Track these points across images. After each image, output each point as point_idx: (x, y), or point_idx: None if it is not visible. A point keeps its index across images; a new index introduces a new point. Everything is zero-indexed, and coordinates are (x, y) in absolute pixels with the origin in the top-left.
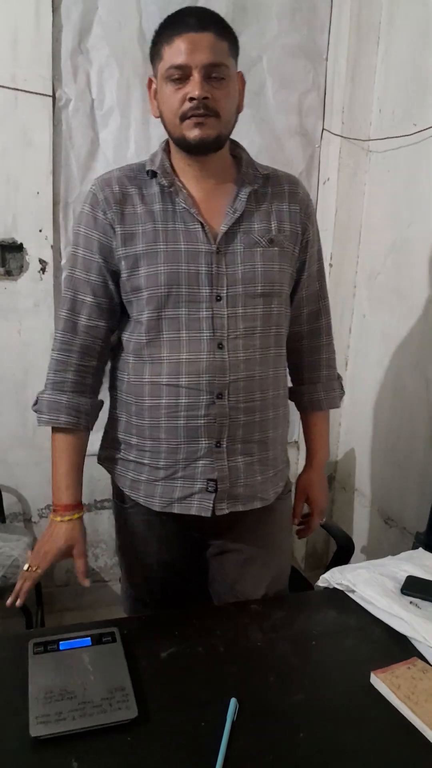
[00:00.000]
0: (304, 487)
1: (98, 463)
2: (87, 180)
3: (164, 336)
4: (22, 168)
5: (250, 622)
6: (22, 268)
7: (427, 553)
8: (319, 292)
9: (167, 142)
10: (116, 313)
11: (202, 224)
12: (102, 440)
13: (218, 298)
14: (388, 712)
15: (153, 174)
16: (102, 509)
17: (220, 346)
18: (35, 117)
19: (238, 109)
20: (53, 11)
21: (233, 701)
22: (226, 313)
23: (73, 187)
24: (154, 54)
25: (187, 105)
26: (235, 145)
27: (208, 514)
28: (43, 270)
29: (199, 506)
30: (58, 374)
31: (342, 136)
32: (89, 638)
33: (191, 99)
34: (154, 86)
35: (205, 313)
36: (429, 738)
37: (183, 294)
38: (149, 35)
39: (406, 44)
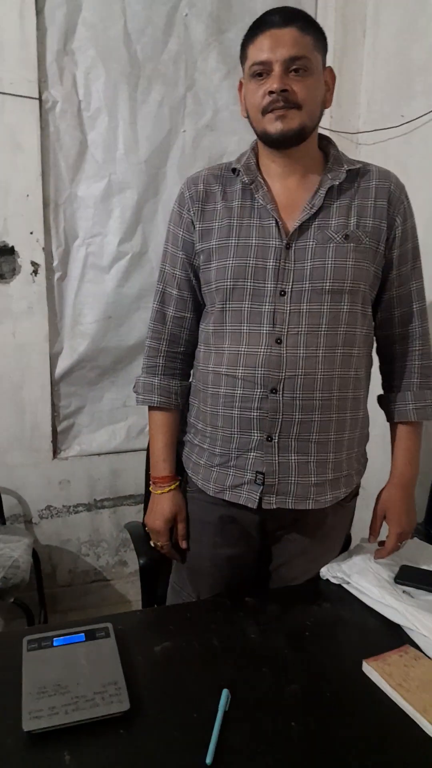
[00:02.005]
0: (382, 504)
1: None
2: (76, 181)
3: (227, 328)
4: (11, 171)
5: (245, 616)
6: (14, 271)
7: (422, 543)
8: (413, 293)
9: (256, 142)
10: (200, 305)
11: (276, 220)
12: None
13: (282, 293)
14: (380, 699)
15: (238, 172)
16: (102, 508)
17: (278, 341)
18: (23, 120)
19: (326, 103)
20: (37, 14)
21: (225, 692)
22: (288, 308)
23: (63, 188)
24: (242, 54)
25: (268, 99)
26: (327, 141)
27: (254, 505)
28: (35, 272)
29: (247, 497)
30: (150, 359)
31: (332, 130)
32: (83, 634)
33: (271, 93)
34: (243, 88)
35: (267, 307)
36: (420, 724)
37: (248, 287)
38: (134, 35)
39: (391, 37)
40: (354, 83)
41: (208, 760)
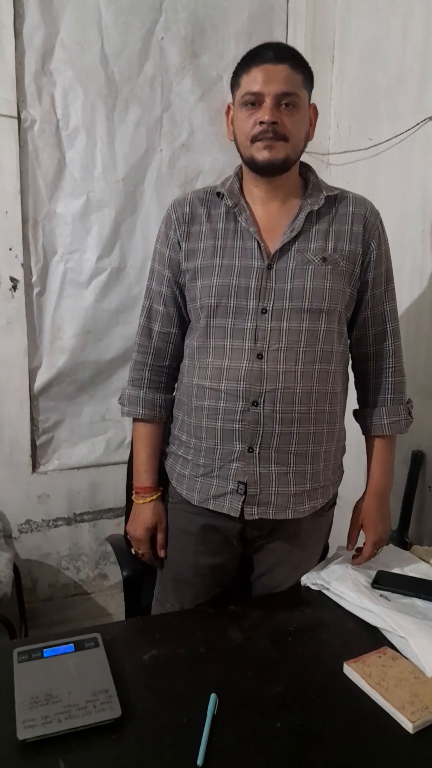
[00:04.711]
0: (359, 513)
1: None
2: (54, 199)
3: (211, 343)
4: None
5: (229, 623)
6: None
7: (396, 548)
8: (386, 314)
9: (240, 167)
10: (185, 321)
11: (258, 242)
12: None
13: (264, 311)
14: (360, 698)
15: (222, 195)
16: (82, 522)
17: (259, 357)
18: (1, 139)
19: (308, 137)
20: (15, 36)
21: (213, 696)
22: (269, 326)
23: (42, 206)
24: (234, 82)
25: (258, 128)
26: (307, 169)
27: (237, 514)
28: (14, 288)
29: (230, 506)
30: (136, 372)
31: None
32: (72, 645)
33: (261, 123)
34: (231, 113)
35: (249, 324)
36: (398, 719)
37: (231, 306)
38: (111, 58)
39: (357, 63)
40: (323, 106)
41: (200, 761)
